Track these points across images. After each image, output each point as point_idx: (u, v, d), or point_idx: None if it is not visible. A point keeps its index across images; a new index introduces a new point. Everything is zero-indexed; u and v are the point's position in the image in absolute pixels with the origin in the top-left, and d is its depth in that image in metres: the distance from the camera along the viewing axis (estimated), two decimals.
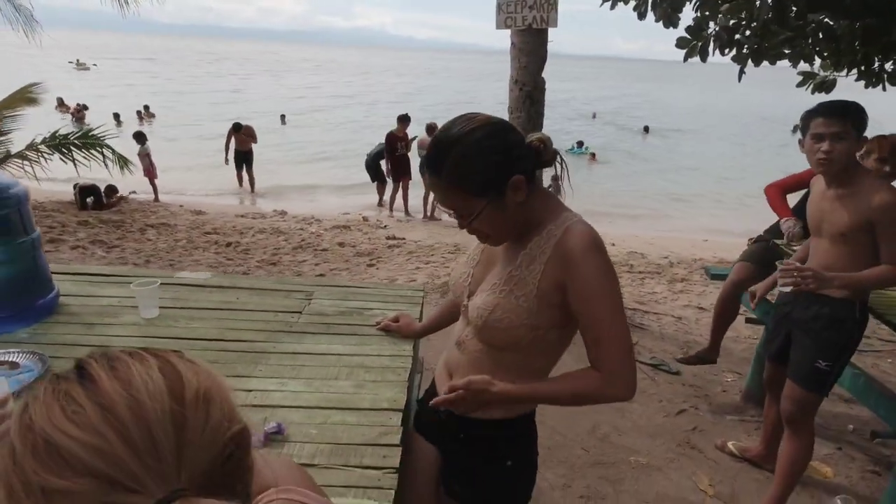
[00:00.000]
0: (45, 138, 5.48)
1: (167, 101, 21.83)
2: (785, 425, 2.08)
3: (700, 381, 3.37)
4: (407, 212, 8.95)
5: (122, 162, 5.96)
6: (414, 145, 8.34)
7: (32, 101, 5.47)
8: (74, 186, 7.55)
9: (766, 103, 37.37)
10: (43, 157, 5.48)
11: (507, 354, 1.04)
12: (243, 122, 9.86)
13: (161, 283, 1.61)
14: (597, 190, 11.62)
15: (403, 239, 7.17)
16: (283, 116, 19.88)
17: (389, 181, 8.59)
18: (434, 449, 1.16)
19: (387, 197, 9.16)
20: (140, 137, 9.07)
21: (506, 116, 4.83)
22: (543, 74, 4.78)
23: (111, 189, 8.06)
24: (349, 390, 1.29)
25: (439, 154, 0.94)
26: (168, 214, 7.96)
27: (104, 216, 7.05)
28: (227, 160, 9.91)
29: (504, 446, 1.11)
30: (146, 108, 17.04)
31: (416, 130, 8.90)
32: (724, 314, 3.03)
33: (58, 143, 5.56)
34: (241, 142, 9.77)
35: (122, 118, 14.86)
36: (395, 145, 7.63)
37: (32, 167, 5.41)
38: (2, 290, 1.42)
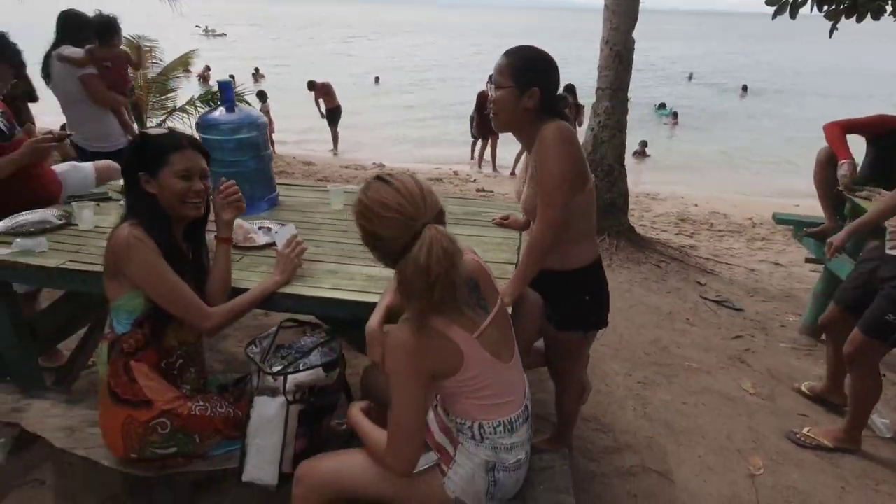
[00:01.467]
0: (200, 95, 6.59)
1: (279, 63, 23.62)
2: (847, 367, 2.31)
3: (761, 318, 3.75)
4: (494, 167, 9.53)
5: None
6: None
7: (188, 66, 6.58)
8: None
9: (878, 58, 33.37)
10: (197, 109, 6.61)
11: None
12: (332, 82, 10.84)
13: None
14: (676, 151, 11.50)
15: (492, 192, 7.78)
16: (377, 78, 20.86)
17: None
18: (536, 293, 1.79)
19: (477, 153, 9.77)
20: (262, 96, 10.25)
21: (594, 75, 5.23)
22: (638, 33, 5.09)
23: None
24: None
25: (519, 50, 1.63)
26: (284, 164, 9.06)
27: None
28: (322, 115, 10.90)
29: (580, 285, 1.75)
30: (256, 69, 18.63)
31: None
32: None
33: (208, 99, 6.67)
34: (326, 100, 10.58)
35: (237, 79, 16.42)
36: (484, 104, 8.15)
37: (189, 118, 6.57)
38: (256, 183, 2.22)
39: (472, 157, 10.04)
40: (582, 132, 7.70)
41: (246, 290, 1.65)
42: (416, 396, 1.21)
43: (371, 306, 1.62)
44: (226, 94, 2.18)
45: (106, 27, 3.32)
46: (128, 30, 6.63)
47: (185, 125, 6.66)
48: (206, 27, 39.91)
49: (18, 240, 1.85)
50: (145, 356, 1.49)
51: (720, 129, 14.56)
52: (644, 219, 6.95)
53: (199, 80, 15.22)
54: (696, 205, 7.75)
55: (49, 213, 2.09)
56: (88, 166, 2.60)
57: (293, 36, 44.81)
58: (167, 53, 6.90)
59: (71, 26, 3.30)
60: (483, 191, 7.82)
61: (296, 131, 12.20)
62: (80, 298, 2.17)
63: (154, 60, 6.45)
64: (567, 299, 1.81)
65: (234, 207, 1.69)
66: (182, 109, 6.56)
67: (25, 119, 3.67)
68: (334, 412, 1.60)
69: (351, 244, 2.01)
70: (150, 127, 1.58)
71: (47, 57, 3.28)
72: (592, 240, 1.85)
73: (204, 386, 1.66)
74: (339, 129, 11.19)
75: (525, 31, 63.73)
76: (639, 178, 9.29)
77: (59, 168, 2.47)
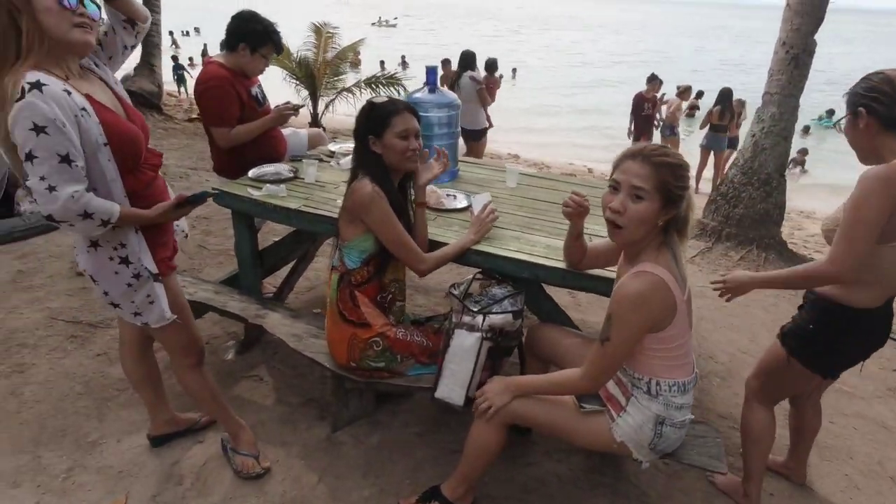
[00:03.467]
0: (365, 79, 7.27)
1: (429, 53, 24.79)
2: None
3: None
4: None
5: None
6: (665, 108, 8.46)
7: (355, 53, 7.27)
8: None
9: None
10: (361, 91, 7.30)
11: None
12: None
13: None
14: (842, 165, 10.27)
15: None
16: (514, 70, 21.01)
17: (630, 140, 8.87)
18: None
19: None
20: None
21: (762, 78, 4.96)
22: (817, 35, 4.74)
23: None
24: None
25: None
26: None
27: None
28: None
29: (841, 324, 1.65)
30: (403, 58, 19.73)
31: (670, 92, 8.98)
32: None
33: (370, 82, 7.34)
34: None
35: (385, 65, 17.55)
36: (641, 105, 7.98)
37: (353, 100, 7.29)
38: (448, 156, 2.54)
39: None
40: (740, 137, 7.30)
41: (444, 244, 1.96)
42: (634, 339, 1.39)
43: (551, 271, 1.86)
44: (430, 77, 2.51)
45: None
46: (314, 17, 7.53)
47: (349, 104, 7.40)
48: (381, 17, 42.82)
49: (269, 185, 2.33)
50: (367, 289, 1.85)
51: None
52: (795, 236, 6.44)
53: (350, 65, 16.48)
54: None
55: (282, 167, 2.58)
56: (303, 133, 3.12)
57: (459, 26, 46.26)
58: (360, 41, 7.66)
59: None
60: None
61: None
62: (300, 237, 2.66)
63: (333, 46, 7.23)
64: (821, 330, 1.69)
65: (431, 170, 2.01)
66: (349, 90, 7.28)
67: None
68: (510, 355, 1.85)
69: (527, 217, 2.25)
70: (375, 97, 1.92)
71: None
72: (882, 289, 1.61)
73: (402, 318, 2.01)
74: None
75: (684, 28, 59.88)
76: (791, 193, 8.53)
77: (284, 132, 3.00)
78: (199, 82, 2.52)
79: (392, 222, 1.76)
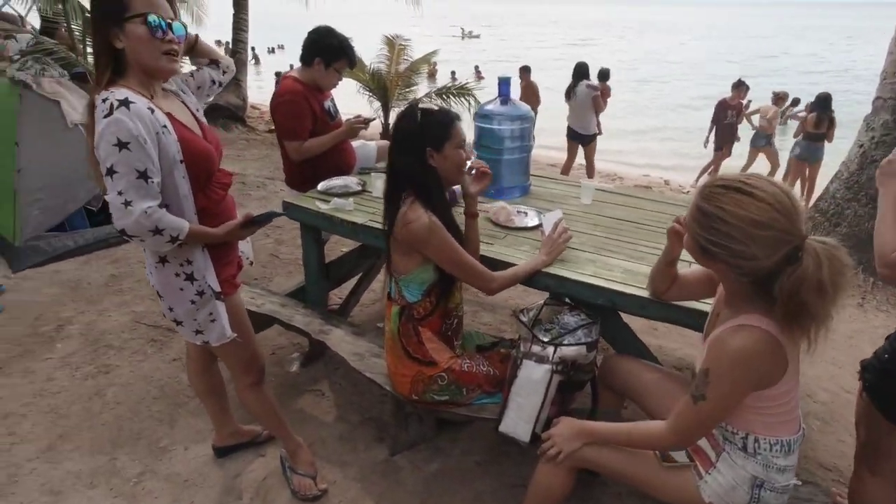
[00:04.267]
0: (437, 89, 7.30)
1: (504, 61, 24.83)
2: None
3: None
4: None
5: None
6: (756, 117, 7.76)
7: (429, 64, 7.31)
8: None
9: None
10: (432, 101, 7.32)
11: None
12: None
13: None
14: None
15: None
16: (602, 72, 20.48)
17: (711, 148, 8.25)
18: None
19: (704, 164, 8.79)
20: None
21: (873, 82, 4.45)
22: None
23: None
24: None
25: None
26: None
27: None
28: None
29: None
30: (476, 68, 19.76)
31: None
32: None
33: (441, 92, 7.35)
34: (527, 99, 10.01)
35: (456, 75, 17.67)
36: (724, 113, 7.46)
37: None
38: (515, 171, 2.44)
39: (705, 172, 8.67)
40: (834, 149, 6.63)
41: (511, 264, 1.84)
42: (734, 400, 1.20)
43: (630, 299, 1.70)
44: (502, 88, 2.42)
45: None
46: (393, 30, 7.67)
47: None
48: (463, 29, 43.48)
49: (336, 199, 2.32)
50: (431, 322, 1.73)
51: None
52: None
53: (428, 76, 16.71)
54: None
55: (350, 181, 2.57)
56: (372, 145, 3.11)
57: (535, 35, 46.21)
58: (422, 53, 7.75)
59: None
60: None
61: None
62: (367, 251, 2.64)
63: (405, 57, 7.32)
64: None
65: (484, 183, 1.84)
66: (420, 101, 7.33)
67: None
68: (582, 389, 1.71)
69: (603, 237, 2.09)
70: (422, 103, 1.82)
71: None
72: None
73: (466, 340, 1.91)
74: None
75: (781, 29, 56.28)
76: None
77: (353, 144, 3.01)
78: (275, 97, 2.57)
79: (454, 249, 1.64)
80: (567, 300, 1.80)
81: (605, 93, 6.97)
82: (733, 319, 1.22)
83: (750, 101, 7.98)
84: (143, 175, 1.31)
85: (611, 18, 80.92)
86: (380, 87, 7.23)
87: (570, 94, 6.64)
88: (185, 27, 1.45)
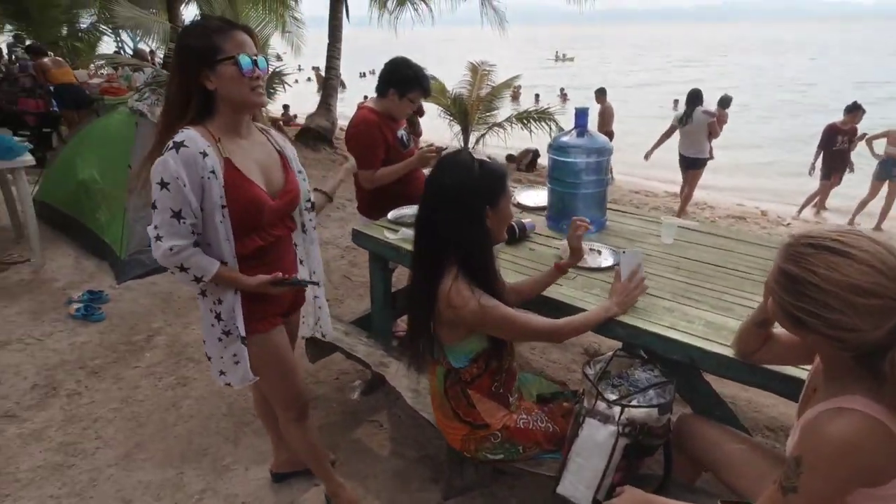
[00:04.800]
0: (517, 114, 7.27)
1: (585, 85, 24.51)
2: None
3: None
4: (820, 210, 7.89)
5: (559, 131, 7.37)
6: (881, 143, 6.86)
7: (512, 88, 7.30)
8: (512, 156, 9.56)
9: None
10: (511, 126, 7.29)
11: None
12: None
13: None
14: None
15: None
16: (676, 101, 19.62)
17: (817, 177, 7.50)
18: None
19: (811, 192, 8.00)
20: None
21: None
22: None
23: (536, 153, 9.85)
24: None
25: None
26: None
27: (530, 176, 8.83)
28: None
29: None
30: (562, 90, 19.59)
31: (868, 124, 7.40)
32: None
33: (522, 117, 7.30)
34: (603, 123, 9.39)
35: (540, 99, 17.59)
36: (833, 138, 6.79)
37: (504, 135, 7.31)
38: (590, 206, 2.31)
39: (810, 202, 7.89)
40: None
41: (579, 309, 1.72)
42: (833, 499, 1.02)
43: (711, 356, 1.52)
44: (579, 119, 2.31)
45: None
46: (485, 54, 7.78)
47: (500, 139, 7.44)
48: (557, 52, 43.91)
49: (404, 229, 2.31)
50: (481, 383, 1.60)
51: None
52: None
53: (511, 98, 16.79)
54: None
55: None
56: None
57: (632, 57, 45.45)
58: (508, 77, 7.81)
59: None
60: None
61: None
62: None
63: (488, 83, 7.37)
64: None
65: (579, 237, 1.71)
66: (499, 125, 7.33)
67: (417, 131, 4.54)
68: (653, 454, 1.54)
69: (684, 283, 1.91)
70: (476, 154, 1.66)
71: None
72: None
73: (521, 393, 1.78)
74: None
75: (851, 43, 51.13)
76: None
77: (425, 172, 3.01)
78: (350, 126, 2.64)
79: (509, 320, 1.47)
80: (641, 353, 1.65)
81: (721, 119, 6.95)
82: (832, 399, 1.03)
83: (865, 133, 7.08)
84: (177, 215, 1.36)
85: (716, 38, 77.26)
86: (460, 111, 7.31)
87: (684, 120, 6.61)
88: (266, 60, 1.49)
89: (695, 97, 6.63)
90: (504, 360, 1.64)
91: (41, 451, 2.25)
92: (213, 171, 1.39)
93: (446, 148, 2.97)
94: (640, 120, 16.16)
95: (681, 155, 6.85)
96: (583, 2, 8.62)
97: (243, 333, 1.53)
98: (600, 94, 8.72)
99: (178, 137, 1.37)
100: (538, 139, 7.74)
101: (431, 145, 2.69)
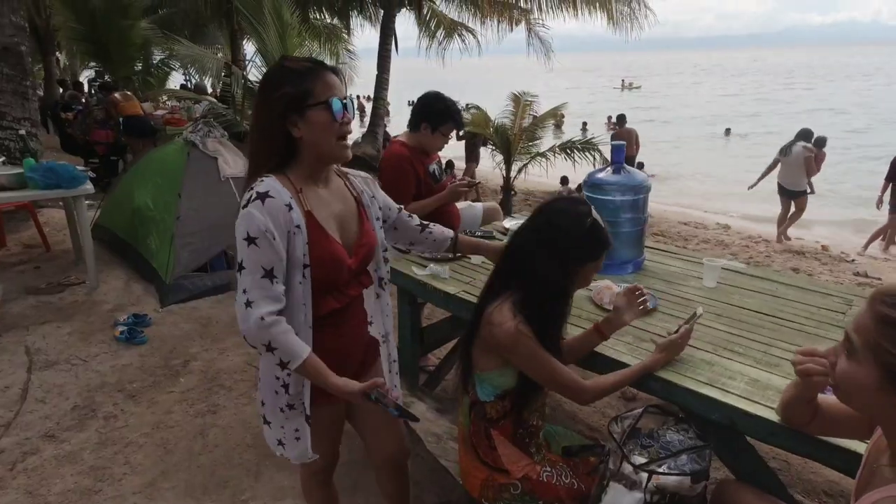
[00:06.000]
0: (562, 143, 7.19)
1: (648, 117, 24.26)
2: None
3: None
4: (888, 246, 7.34)
5: (604, 161, 7.21)
6: None
7: (557, 117, 7.25)
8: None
9: None
10: (555, 155, 7.21)
11: None
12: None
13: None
14: None
15: (879, 280, 6.00)
16: (727, 129, 19.05)
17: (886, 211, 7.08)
18: None
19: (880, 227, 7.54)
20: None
21: None
22: None
23: (580, 187, 9.71)
24: None
25: None
26: None
27: None
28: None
29: None
30: (609, 119, 19.37)
31: None
32: None
33: (565, 147, 7.21)
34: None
35: (588, 125, 17.45)
36: None
37: (546, 165, 7.23)
38: (627, 245, 2.21)
39: (877, 237, 7.53)
40: None
41: (611, 359, 1.61)
42: None
43: (755, 419, 1.38)
44: (616, 155, 2.23)
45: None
46: (542, 83, 7.78)
47: (542, 168, 7.37)
48: (624, 81, 43.74)
49: (432, 265, 2.28)
50: (504, 426, 1.52)
51: None
52: None
53: (554, 126, 16.74)
54: None
55: None
56: (479, 207, 3.07)
57: (695, 86, 44.79)
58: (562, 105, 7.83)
59: None
60: (865, 276, 6.10)
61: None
62: (460, 322, 2.55)
63: (531, 112, 7.35)
64: None
65: (639, 312, 1.63)
66: (542, 155, 7.27)
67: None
68: None
69: (727, 333, 1.77)
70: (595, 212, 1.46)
71: None
72: None
73: (547, 443, 1.68)
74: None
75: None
76: None
77: (459, 206, 2.98)
78: (382, 160, 2.66)
79: (542, 361, 1.42)
80: (675, 410, 1.52)
81: (819, 158, 7.60)
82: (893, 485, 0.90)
83: None
84: (269, 274, 1.20)
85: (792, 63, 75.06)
86: (503, 141, 7.31)
87: (785, 151, 7.32)
88: (353, 102, 1.40)
89: (802, 135, 7.34)
90: (531, 411, 1.55)
91: (73, 475, 2.30)
92: (298, 226, 1.26)
93: (479, 182, 2.94)
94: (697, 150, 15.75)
95: (779, 184, 7.54)
96: (628, 31, 8.54)
97: (309, 412, 1.38)
98: (620, 120, 8.94)
99: (260, 187, 1.24)
100: (581, 169, 7.64)
101: (463, 178, 2.67)
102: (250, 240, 1.20)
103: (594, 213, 1.45)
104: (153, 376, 3.06)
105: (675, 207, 10.33)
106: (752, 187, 8.09)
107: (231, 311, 3.83)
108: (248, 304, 1.19)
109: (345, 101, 1.29)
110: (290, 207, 1.25)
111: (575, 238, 1.41)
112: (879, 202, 7.01)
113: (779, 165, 7.49)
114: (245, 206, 1.23)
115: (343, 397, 1.28)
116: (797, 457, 2.41)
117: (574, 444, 1.71)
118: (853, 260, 6.96)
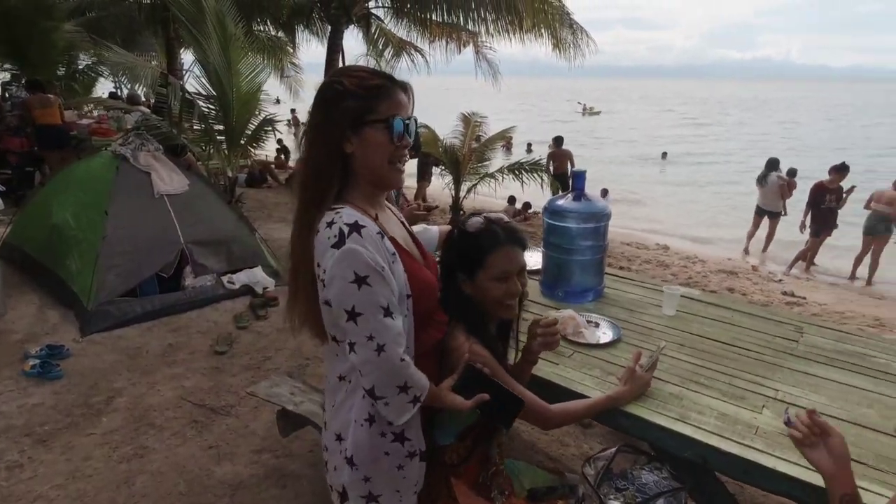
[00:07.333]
0: (510, 164, 7.26)
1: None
2: None
3: None
4: (808, 268, 7.88)
5: (555, 187, 7.35)
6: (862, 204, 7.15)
7: (506, 140, 7.33)
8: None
9: None
10: (503, 177, 7.27)
11: None
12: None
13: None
14: None
15: (804, 298, 6.40)
16: (664, 153, 20.13)
17: (806, 234, 7.64)
18: None
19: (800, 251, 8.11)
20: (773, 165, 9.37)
21: None
22: None
23: (527, 205, 9.83)
24: (875, 419, 1.47)
25: None
26: None
27: (523, 225, 8.76)
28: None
29: None
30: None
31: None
32: None
33: (513, 169, 7.29)
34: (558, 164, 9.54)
35: (532, 147, 17.85)
36: (822, 197, 6.86)
37: (495, 186, 7.27)
38: (587, 273, 2.18)
39: (800, 259, 8.02)
40: None
41: (577, 394, 1.55)
42: None
43: (727, 457, 1.34)
44: (577, 182, 2.21)
45: None
46: (500, 105, 7.82)
47: (491, 189, 7.41)
48: (585, 105, 43.27)
49: None
50: (467, 471, 1.39)
51: None
52: None
53: (503, 148, 16.99)
54: None
55: None
56: (434, 230, 2.97)
57: (654, 114, 46.60)
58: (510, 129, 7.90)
59: None
60: (792, 295, 6.49)
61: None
62: None
63: (480, 133, 7.39)
64: None
65: (547, 345, 1.47)
66: (491, 176, 7.31)
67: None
68: None
69: (691, 364, 1.75)
70: (466, 216, 1.45)
71: None
72: None
73: (510, 483, 1.58)
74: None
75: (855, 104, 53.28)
76: None
77: (415, 228, 2.88)
78: None
79: (505, 381, 1.31)
80: (647, 449, 1.47)
81: (790, 185, 8.37)
82: None
83: (854, 186, 7.28)
84: (388, 312, 1.06)
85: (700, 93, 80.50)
86: (452, 161, 7.30)
87: (761, 181, 8.27)
88: (416, 122, 1.23)
89: (771, 164, 8.24)
90: (493, 448, 1.44)
91: None
92: (394, 254, 1.13)
93: (437, 206, 2.86)
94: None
95: (758, 206, 8.45)
96: (572, 57, 8.82)
97: (424, 447, 1.22)
98: (556, 142, 9.49)
99: (345, 219, 1.07)
100: (528, 189, 7.77)
101: (419, 202, 2.57)
102: (360, 280, 1.04)
103: (472, 219, 1.37)
104: (69, 416, 2.73)
105: (618, 228, 10.67)
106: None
107: (165, 339, 3.52)
108: (380, 349, 1.05)
109: (408, 121, 1.15)
110: (382, 236, 1.12)
111: (449, 251, 1.38)
112: (802, 226, 7.51)
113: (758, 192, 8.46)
114: (338, 244, 1.05)
115: (452, 406, 1.18)
116: (775, 499, 2.45)
117: (539, 486, 1.62)
118: (780, 280, 7.40)
